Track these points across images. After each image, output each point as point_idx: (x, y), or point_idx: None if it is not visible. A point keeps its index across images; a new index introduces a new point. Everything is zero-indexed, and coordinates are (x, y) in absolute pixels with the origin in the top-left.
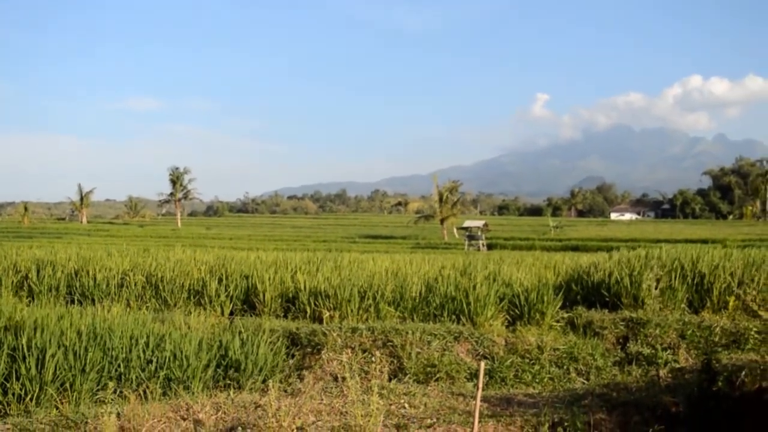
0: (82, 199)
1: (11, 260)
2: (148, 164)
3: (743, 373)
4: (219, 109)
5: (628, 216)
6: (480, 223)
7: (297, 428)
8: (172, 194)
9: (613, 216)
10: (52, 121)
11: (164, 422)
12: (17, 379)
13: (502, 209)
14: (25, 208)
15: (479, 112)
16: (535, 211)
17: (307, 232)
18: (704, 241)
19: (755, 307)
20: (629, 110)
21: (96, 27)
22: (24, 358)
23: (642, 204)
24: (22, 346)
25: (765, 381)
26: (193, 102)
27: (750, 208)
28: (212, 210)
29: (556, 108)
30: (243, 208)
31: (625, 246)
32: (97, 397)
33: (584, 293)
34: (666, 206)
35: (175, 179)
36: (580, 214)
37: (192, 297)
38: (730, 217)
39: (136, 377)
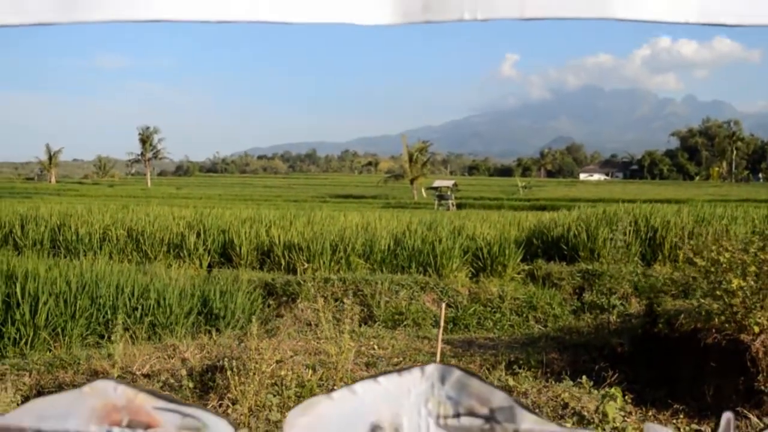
0: (50, 158)
1: None
2: (116, 123)
3: (682, 316)
4: (187, 65)
5: (596, 177)
6: (449, 182)
7: (277, 361)
8: (141, 154)
9: (582, 177)
10: (16, 77)
11: (154, 360)
12: (12, 324)
13: (471, 169)
14: None
15: (448, 73)
16: (505, 172)
17: (277, 191)
18: (669, 201)
19: (691, 255)
20: (599, 71)
21: None
22: (18, 305)
23: (610, 165)
24: (16, 293)
25: (700, 322)
26: (161, 58)
27: (716, 169)
28: (182, 170)
29: (525, 68)
30: (213, 168)
31: (590, 206)
32: (87, 341)
33: (544, 247)
34: (634, 167)
35: (145, 139)
36: (550, 174)
37: (171, 250)
38: (697, 178)
39: (123, 323)
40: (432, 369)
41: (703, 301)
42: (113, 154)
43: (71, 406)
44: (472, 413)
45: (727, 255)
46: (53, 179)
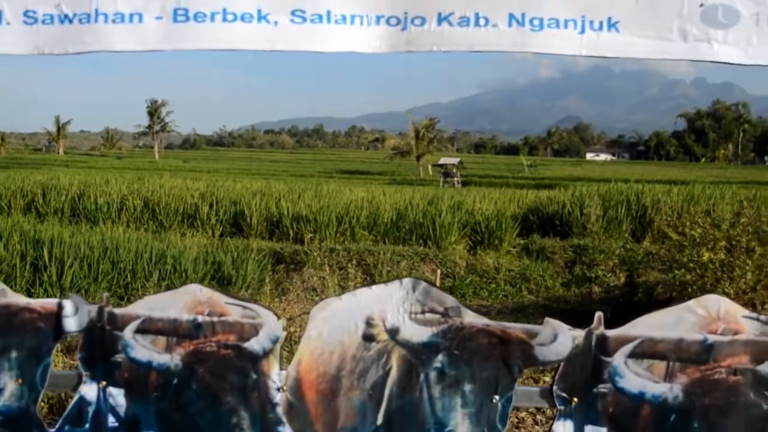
0: (59, 130)
1: (18, 185)
2: (124, 95)
3: (659, 286)
4: None
5: (603, 157)
6: (455, 160)
7: (287, 318)
8: (149, 126)
9: (589, 156)
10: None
11: None
12: (40, 285)
13: (478, 147)
14: (2, 139)
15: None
16: (512, 150)
17: (284, 166)
18: (675, 183)
19: (666, 230)
20: None
21: None
22: (45, 267)
23: (617, 145)
24: (44, 257)
25: (675, 292)
26: None
27: (723, 151)
28: (189, 143)
29: None
30: (219, 142)
31: (588, 185)
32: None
33: (540, 223)
34: (641, 148)
35: (153, 111)
36: (557, 153)
37: (186, 220)
38: (703, 159)
39: (141, 286)
40: (407, 281)
41: (677, 272)
42: (120, 127)
43: (170, 301)
44: (432, 311)
45: (698, 230)
46: (61, 150)
